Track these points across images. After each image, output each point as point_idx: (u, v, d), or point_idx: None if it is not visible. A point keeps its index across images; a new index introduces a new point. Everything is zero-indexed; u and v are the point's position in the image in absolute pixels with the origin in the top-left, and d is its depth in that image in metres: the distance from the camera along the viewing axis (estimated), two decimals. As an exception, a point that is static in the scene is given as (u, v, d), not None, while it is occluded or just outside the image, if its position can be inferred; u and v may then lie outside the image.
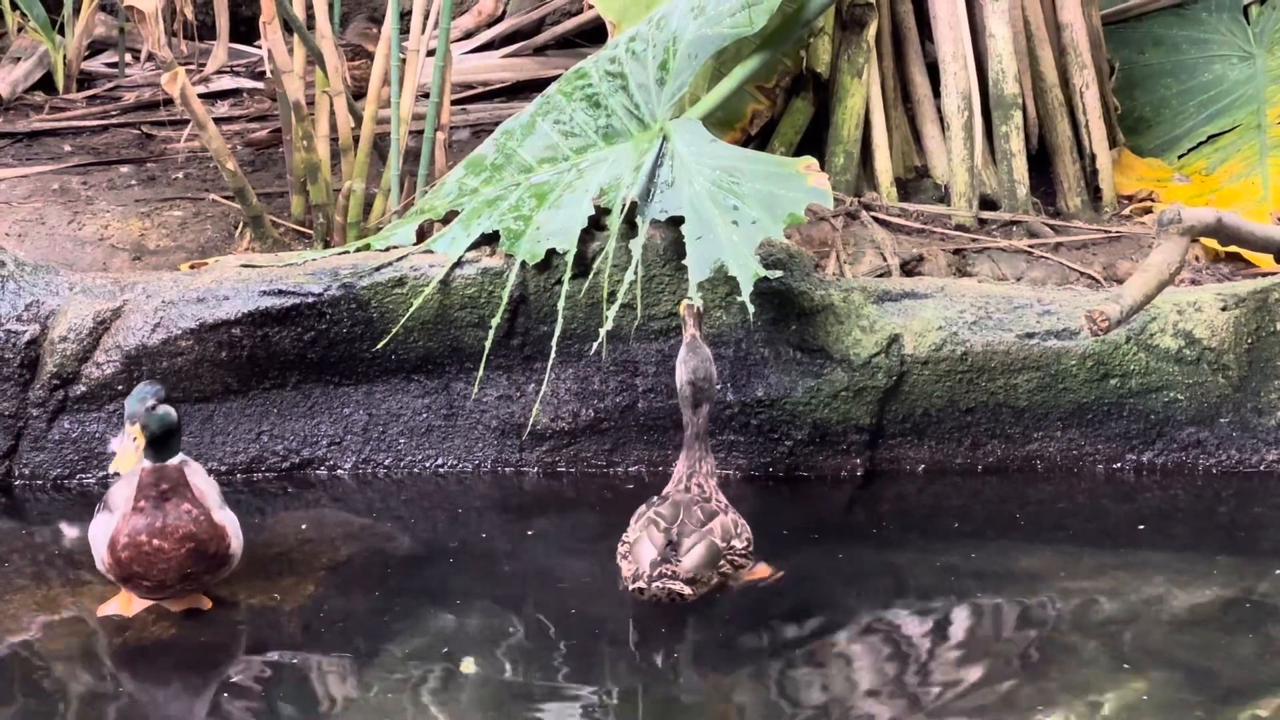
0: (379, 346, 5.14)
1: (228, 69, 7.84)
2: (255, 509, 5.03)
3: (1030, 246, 6.15)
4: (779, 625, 4.38)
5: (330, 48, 6.07)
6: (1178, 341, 5.10)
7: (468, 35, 7.88)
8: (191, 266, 5.64)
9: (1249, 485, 5.10)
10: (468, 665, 4.19)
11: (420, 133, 6.36)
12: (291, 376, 5.19)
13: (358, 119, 6.14)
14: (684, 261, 4.97)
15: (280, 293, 5.10)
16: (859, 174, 6.39)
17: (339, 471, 5.23)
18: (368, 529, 4.95)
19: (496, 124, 5.91)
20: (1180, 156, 6.86)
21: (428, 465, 5.24)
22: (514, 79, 7.64)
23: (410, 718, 4.01)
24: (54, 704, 4.09)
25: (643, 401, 5.19)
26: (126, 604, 4.42)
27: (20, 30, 7.84)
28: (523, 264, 5.12)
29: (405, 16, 5.99)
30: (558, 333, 5.04)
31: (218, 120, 7.15)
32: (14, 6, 7.83)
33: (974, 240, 6.18)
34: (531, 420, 5.18)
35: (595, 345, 5.05)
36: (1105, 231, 6.33)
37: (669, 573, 4.32)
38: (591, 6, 7.03)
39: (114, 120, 7.44)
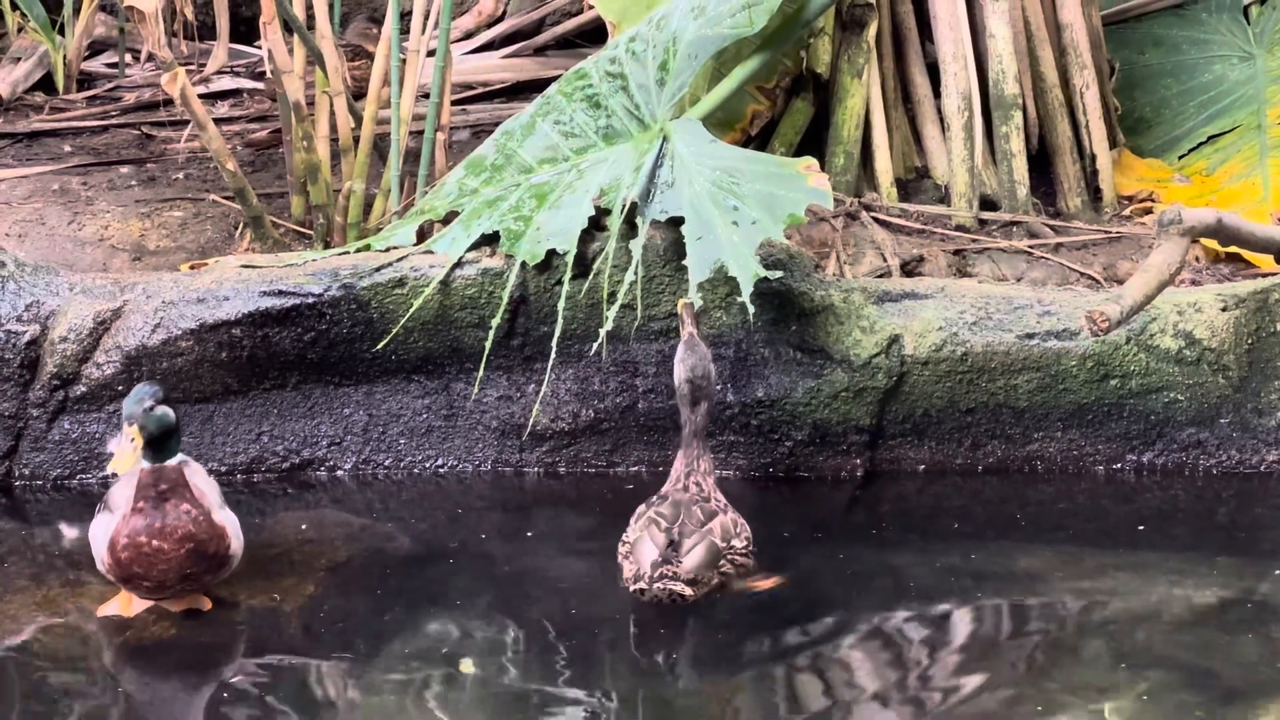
0: (379, 347, 5.14)
1: (228, 69, 7.84)
2: (255, 509, 5.03)
3: (1030, 247, 6.15)
4: (779, 626, 4.37)
5: (330, 48, 6.07)
6: (1178, 342, 5.10)
7: (468, 35, 7.88)
8: (192, 267, 5.64)
9: (1249, 486, 5.10)
10: (466, 665, 4.19)
11: (420, 133, 6.36)
12: (292, 377, 5.19)
13: (358, 119, 6.14)
14: (684, 262, 4.97)
15: (280, 293, 5.10)
16: (859, 174, 6.39)
17: (339, 472, 5.23)
18: (368, 529, 4.95)
19: (497, 124, 5.91)
20: (1180, 157, 6.86)
21: (428, 466, 5.24)
22: (514, 79, 7.64)
23: (410, 718, 4.01)
24: (54, 704, 4.09)
25: (643, 402, 5.19)
26: (127, 604, 4.42)
27: (20, 30, 7.84)
28: (523, 264, 5.12)
29: (405, 17, 5.99)
30: (558, 333, 5.04)
31: (218, 121, 7.15)
32: (14, 7, 7.83)
33: (974, 241, 6.18)
34: (532, 421, 5.18)
35: (595, 346, 5.05)
36: (1105, 232, 6.33)
37: (670, 574, 4.32)
38: (592, 7, 7.03)
39: (114, 121, 7.44)
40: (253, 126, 7.35)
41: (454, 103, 6.92)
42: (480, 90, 7.60)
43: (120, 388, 5.02)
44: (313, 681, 4.17)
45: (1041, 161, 6.58)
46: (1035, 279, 5.95)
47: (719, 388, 5.10)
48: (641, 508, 4.51)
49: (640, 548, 4.38)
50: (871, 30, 6.34)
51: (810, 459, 5.17)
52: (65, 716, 4.05)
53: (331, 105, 6.11)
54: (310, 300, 5.10)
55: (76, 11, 7.69)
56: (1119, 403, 5.13)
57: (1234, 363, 5.12)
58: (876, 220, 6.17)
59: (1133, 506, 5.04)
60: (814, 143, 6.38)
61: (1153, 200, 6.59)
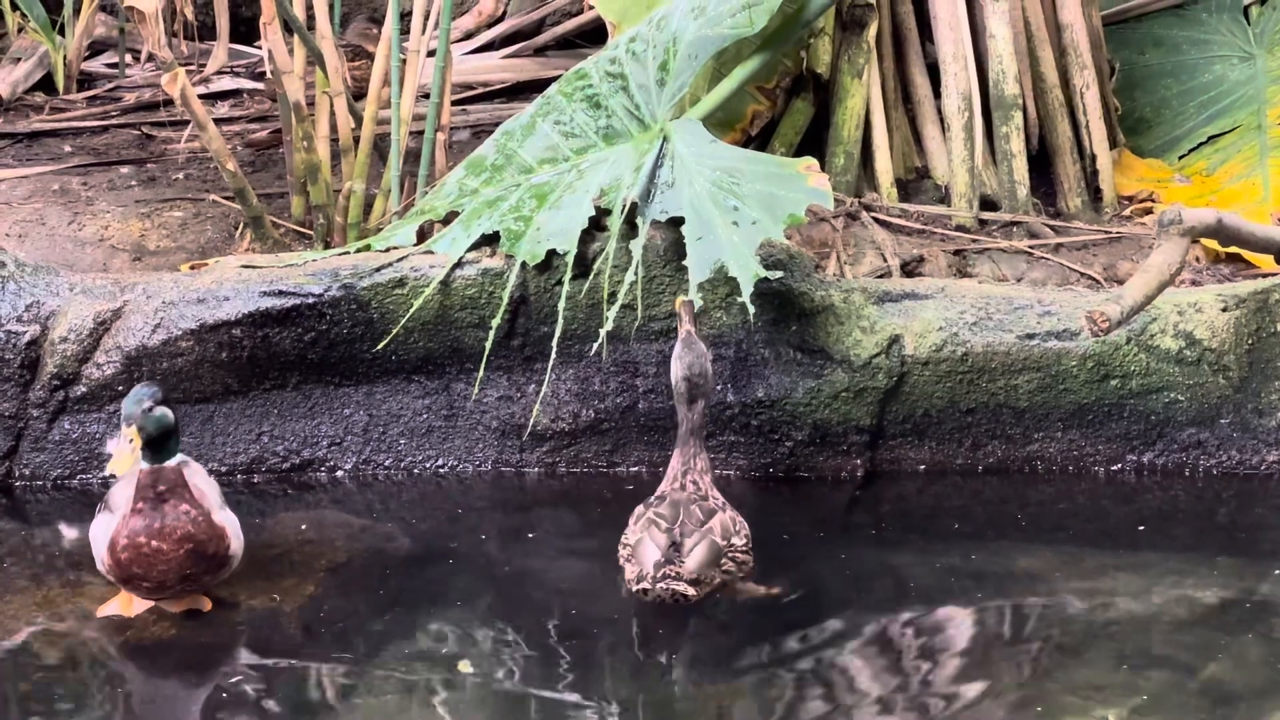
0: (379, 347, 5.14)
1: (228, 70, 7.84)
2: (255, 510, 5.03)
3: (1031, 247, 6.15)
4: (779, 626, 4.37)
5: (330, 48, 6.07)
6: (1178, 342, 5.10)
7: (468, 36, 7.88)
8: (192, 267, 5.64)
9: (1249, 486, 5.10)
10: (464, 666, 4.19)
11: (420, 133, 6.36)
12: (292, 377, 5.19)
13: (358, 120, 6.14)
14: (684, 262, 4.97)
15: (281, 293, 5.10)
16: (859, 175, 6.39)
17: (339, 472, 5.23)
18: (368, 530, 4.95)
19: (497, 125, 5.91)
20: (1181, 157, 6.86)
21: (428, 466, 5.24)
22: (514, 79, 7.64)
23: (410, 719, 4.01)
24: (54, 704, 4.09)
25: (643, 402, 5.18)
26: (127, 604, 4.42)
27: (20, 31, 7.84)
28: (523, 265, 5.11)
29: (405, 17, 5.99)
30: (558, 333, 5.04)
31: (218, 121, 7.15)
32: (14, 7, 7.83)
33: (974, 241, 6.18)
34: (532, 421, 5.18)
35: (596, 346, 5.05)
36: (1106, 232, 6.33)
37: (673, 574, 4.32)
38: (592, 7, 7.03)
39: (114, 121, 7.44)
40: (253, 127, 7.35)
41: (454, 103, 6.92)
42: (480, 90, 7.60)
43: (120, 388, 5.01)
44: (313, 682, 4.17)
45: (1042, 162, 6.58)
46: (1035, 279, 5.95)
47: (719, 388, 5.10)
48: (640, 509, 4.51)
49: (642, 549, 4.38)
50: (872, 30, 6.34)
51: (810, 459, 5.17)
52: (65, 717, 4.05)
53: (332, 105, 6.11)
54: (310, 300, 5.10)
55: (76, 12, 7.69)
56: (1119, 403, 5.13)
57: (1234, 363, 5.12)
58: (877, 220, 6.17)
59: (1133, 507, 5.04)
60: (814, 143, 6.38)
61: (1153, 200, 6.59)
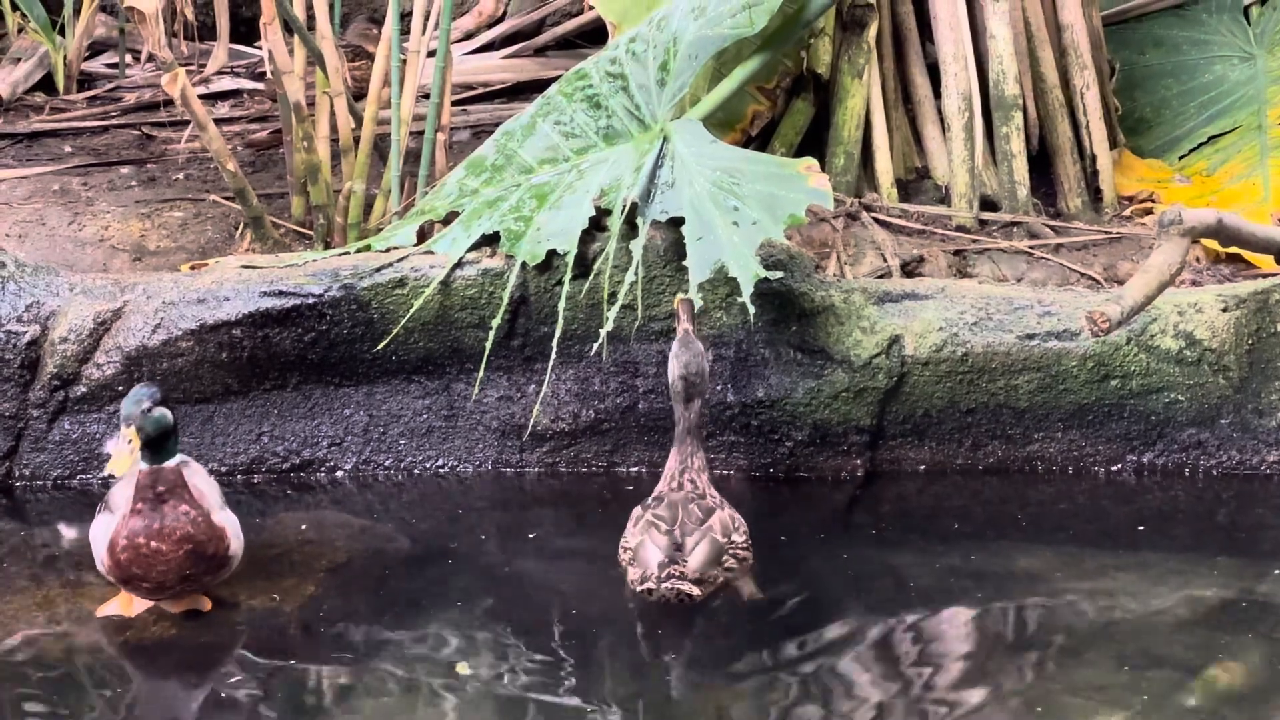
0: (379, 347, 5.14)
1: (228, 70, 7.85)
2: (256, 510, 5.03)
3: (1031, 247, 6.15)
4: (779, 626, 4.37)
5: (330, 49, 6.07)
6: (1178, 342, 5.10)
7: (468, 36, 7.88)
8: (192, 267, 5.64)
9: (1249, 487, 5.10)
10: (462, 668, 4.18)
11: (421, 134, 6.36)
12: (292, 377, 5.19)
13: (358, 120, 6.14)
14: (684, 262, 4.97)
15: (281, 294, 5.10)
16: (859, 175, 6.39)
17: (339, 472, 5.23)
18: (368, 530, 4.95)
19: (497, 125, 5.91)
20: (1181, 157, 6.87)
21: (428, 466, 5.24)
22: (514, 80, 7.64)
23: (410, 719, 4.01)
24: (54, 705, 4.09)
25: (643, 402, 5.18)
26: (127, 605, 4.42)
27: (20, 31, 7.84)
28: (523, 265, 5.11)
29: (406, 17, 5.99)
30: (558, 334, 5.04)
31: (218, 121, 7.15)
32: (14, 7, 7.83)
33: (974, 241, 6.18)
34: (532, 421, 5.18)
35: (596, 346, 5.05)
36: (1106, 232, 6.33)
37: (677, 574, 4.32)
38: (592, 7, 7.03)
39: (114, 121, 7.44)
40: (253, 127, 7.36)
41: (454, 103, 6.92)
42: (480, 91, 7.60)
43: (120, 388, 5.01)
44: (312, 682, 4.17)
45: (1042, 162, 6.58)
46: (1035, 279, 5.95)
47: (719, 388, 5.10)
48: (638, 510, 4.51)
49: (643, 552, 4.37)
50: (872, 31, 6.34)
51: (811, 459, 5.17)
52: (65, 717, 4.05)
53: (332, 106, 6.11)
54: (311, 301, 5.10)
55: (77, 12, 7.69)
56: (1119, 403, 5.13)
57: (1234, 363, 5.12)
58: (877, 221, 6.17)
59: (1133, 507, 5.04)
60: (814, 143, 6.38)
61: (1153, 201, 6.59)
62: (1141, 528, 4.93)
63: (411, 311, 5.10)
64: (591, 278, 5.10)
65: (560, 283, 5.08)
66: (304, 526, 4.93)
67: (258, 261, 5.30)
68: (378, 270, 5.14)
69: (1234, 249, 5.88)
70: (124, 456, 4.22)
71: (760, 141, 6.38)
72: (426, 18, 6.01)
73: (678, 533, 4.38)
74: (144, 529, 4.27)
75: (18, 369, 5.09)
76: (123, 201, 6.58)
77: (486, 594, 4.58)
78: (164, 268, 6.01)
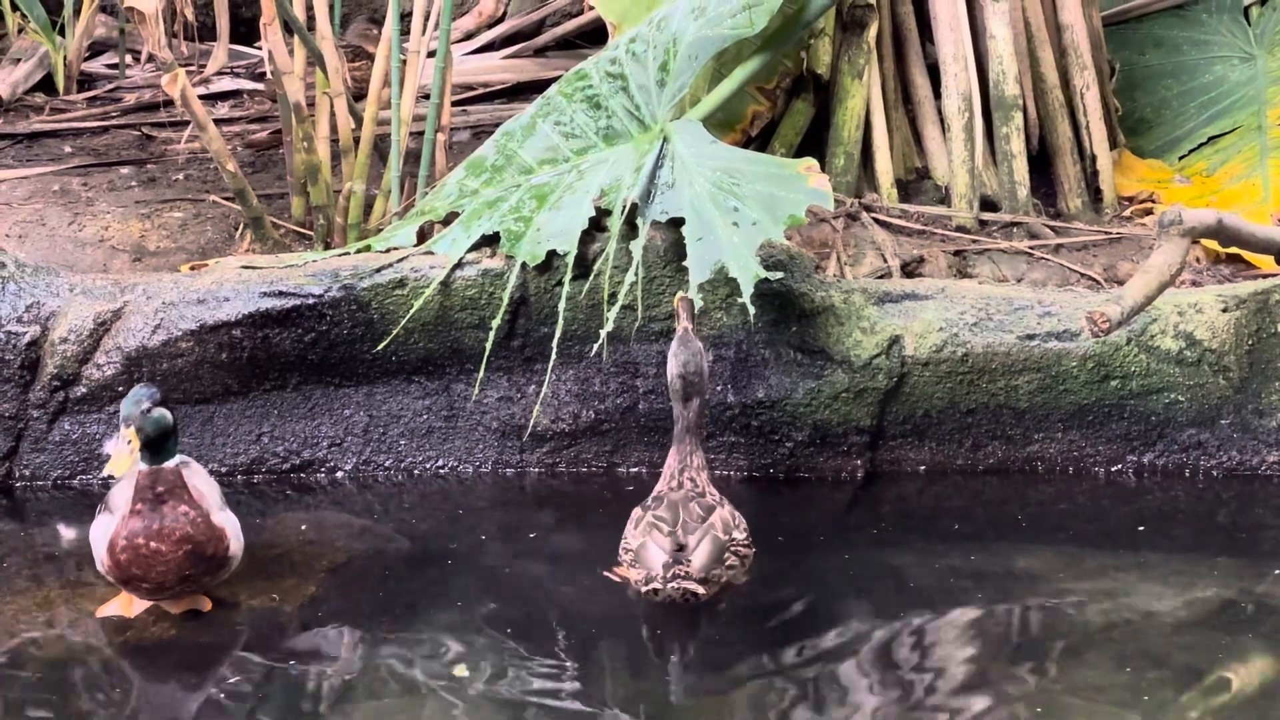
0: (379, 348, 5.14)
1: (228, 70, 7.85)
2: (256, 510, 5.03)
3: (1031, 248, 6.15)
4: (780, 627, 4.37)
5: (330, 49, 6.07)
6: (1178, 343, 5.10)
7: (468, 36, 7.88)
8: (192, 268, 5.64)
9: (1250, 487, 5.10)
10: (461, 670, 4.18)
11: (421, 134, 6.36)
12: (292, 378, 5.19)
13: (358, 120, 6.14)
14: (684, 263, 4.97)
15: (281, 294, 5.10)
16: (859, 175, 6.39)
17: (339, 473, 5.23)
18: (368, 530, 4.95)
19: (497, 125, 5.91)
20: (1181, 158, 6.87)
21: (428, 466, 5.24)
22: (514, 80, 7.65)
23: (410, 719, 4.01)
24: (54, 705, 4.09)
25: (643, 403, 5.18)
26: (127, 605, 4.42)
27: (21, 31, 7.84)
28: (523, 265, 5.11)
29: (405, 18, 5.99)
30: (558, 334, 5.04)
31: (218, 121, 7.15)
32: (14, 8, 7.83)
33: (974, 242, 6.18)
34: (532, 422, 5.18)
35: (596, 347, 5.05)
36: (1106, 233, 6.33)
37: (682, 573, 4.32)
38: (592, 8, 7.03)
39: (114, 121, 7.44)
40: (253, 127, 7.35)
41: (454, 103, 6.92)
42: (481, 91, 7.60)
43: (120, 389, 5.01)
44: (312, 682, 4.17)
45: (1042, 162, 6.58)
46: (1036, 280, 5.95)
47: (719, 388, 5.10)
48: (638, 511, 4.51)
49: (646, 553, 4.37)
50: (872, 31, 6.34)
51: (811, 460, 5.17)
52: (65, 717, 4.05)
53: (332, 106, 6.11)
54: (311, 301, 5.10)
55: (77, 12, 7.69)
56: (1119, 404, 5.13)
57: (1234, 364, 5.12)
58: (877, 221, 6.17)
59: (1133, 507, 5.04)
60: (814, 143, 6.38)
61: (1153, 201, 6.59)
62: (1142, 528, 4.93)
63: (411, 312, 5.10)
64: (591, 278, 5.10)
65: (560, 283, 5.08)
66: (304, 527, 4.93)
67: (258, 262, 5.30)
68: (378, 271, 5.14)
69: (1234, 249, 5.88)
70: (123, 457, 4.22)
71: (760, 142, 6.38)
72: (426, 18, 6.01)
73: (680, 533, 4.37)
74: (143, 529, 4.27)
75: (18, 369, 5.09)
76: (123, 202, 6.58)
77: (486, 594, 4.58)
78: (164, 268, 6.01)
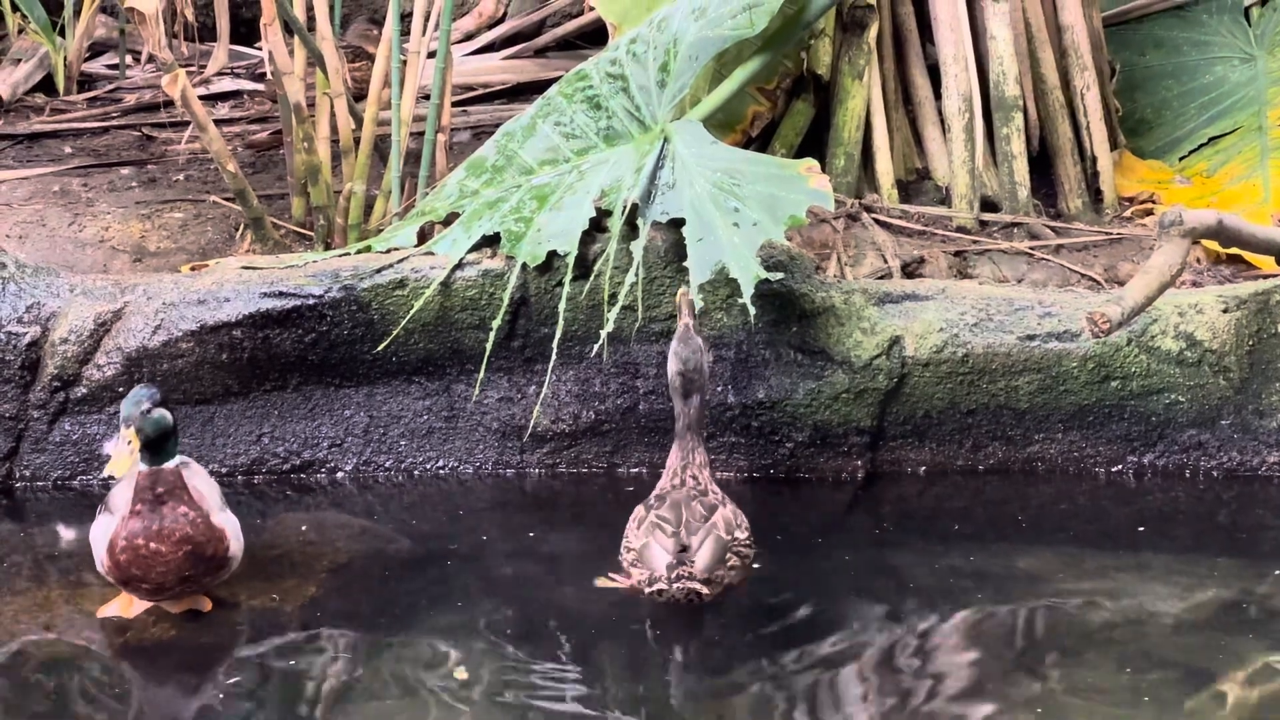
0: (380, 348, 5.14)
1: (228, 71, 7.84)
2: (256, 511, 5.03)
3: (1031, 248, 6.15)
4: (780, 627, 4.37)
5: (331, 49, 6.07)
6: (1179, 343, 5.10)
7: (468, 37, 7.88)
8: (192, 268, 5.64)
9: (1250, 488, 5.10)
10: (460, 673, 4.18)
11: (421, 134, 6.36)
12: (292, 378, 5.19)
13: (358, 121, 6.14)
14: (685, 263, 4.97)
15: (281, 295, 5.10)
16: (860, 176, 6.39)
17: (340, 474, 5.23)
18: (369, 531, 4.95)
19: (497, 126, 5.91)
20: (1181, 158, 6.87)
21: (428, 467, 5.24)
22: (515, 81, 7.64)
23: (411, 720, 4.02)
24: (54, 705, 4.09)
25: (644, 403, 5.18)
26: (126, 606, 4.42)
27: (21, 32, 7.84)
28: (523, 266, 5.11)
29: (406, 18, 5.99)
30: (559, 335, 5.04)
31: (218, 122, 7.15)
32: (14, 8, 7.83)
33: (975, 242, 6.17)
34: (532, 422, 5.18)
35: (596, 347, 5.05)
36: (1106, 233, 6.33)
37: (685, 574, 4.32)
38: (592, 8, 7.03)
39: (114, 122, 7.44)
40: (253, 128, 7.35)
41: (455, 104, 6.92)
42: (481, 91, 7.60)
43: (121, 389, 5.01)
44: (312, 683, 4.17)
45: (1042, 163, 6.58)
46: (1036, 280, 5.95)
47: (720, 389, 5.10)
48: (640, 510, 4.49)
49: (649, 554, 4.36)
50: (872, 32, 6.34)
51: (811, 460, 5.17)
52: (66, 718, 4.05)
53: (332, 107, 6.11)
54: (311, 302, 5.10)
55: (77, 13, 7.69)
56: (1120, 404, 5.13)
57: (1235, 364, 5.12)
58: (877, 222, 6.17)
59: (1133, 508, 5.04)
60: (815, 144, 6.38)
61: (1153, 202, 6.59)
62: (1142, 529, 4.93)
63: (412, 312, 5.10)
64: (592, 279, 5.10)
65: (560, 284, 5.08)
66: (304, 527, 4.93)
67: (258, 262, 5.30)
68: (378, 271, 5.14)
69: (1234, 250, 5.88)
70: (123, 458, 4.22)
71: (760, 142, 6.38)
72: (427, 19, 6.01)
73: (683, 533, 4.37)
74: (143, 530, 4.27)
75: (18, 370, 5.09)
76: (123, 202, 6.58)
77: (487, 595, 4.58)
78: (164, 269, 6.01)
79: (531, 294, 5.14)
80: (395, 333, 5.12)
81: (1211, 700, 4.02)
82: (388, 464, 5.24)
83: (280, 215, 6.29)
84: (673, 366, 4.60)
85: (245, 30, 7.88)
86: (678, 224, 5.05)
